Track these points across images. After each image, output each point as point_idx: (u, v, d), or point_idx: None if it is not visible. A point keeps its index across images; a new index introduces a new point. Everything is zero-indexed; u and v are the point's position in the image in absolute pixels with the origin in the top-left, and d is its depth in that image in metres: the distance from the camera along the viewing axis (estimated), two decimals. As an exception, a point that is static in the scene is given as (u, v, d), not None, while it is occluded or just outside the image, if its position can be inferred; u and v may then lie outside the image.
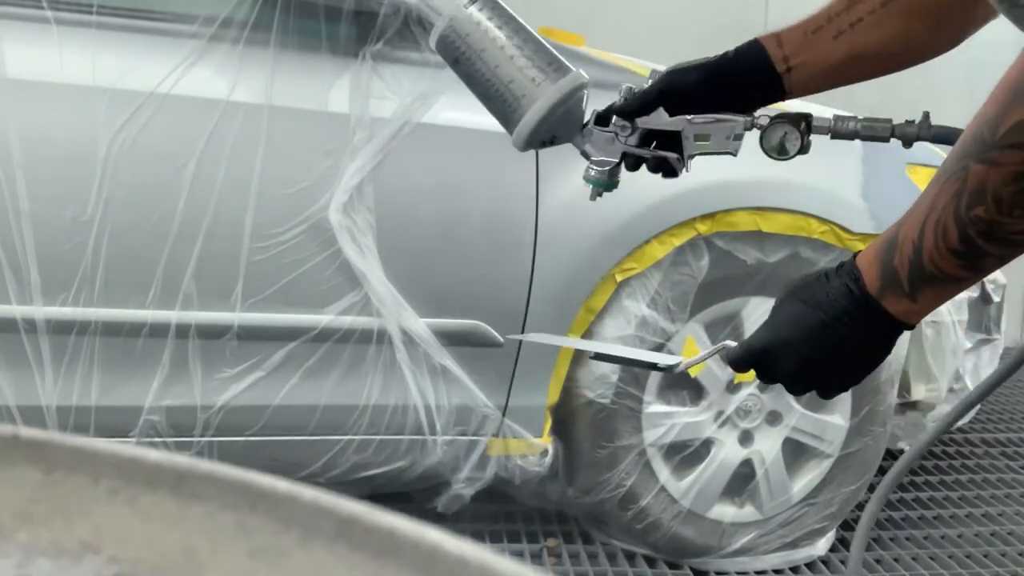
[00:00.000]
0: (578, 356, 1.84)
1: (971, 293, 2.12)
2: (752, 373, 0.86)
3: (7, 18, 1.55)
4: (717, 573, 2.03)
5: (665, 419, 1.91)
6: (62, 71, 1.54)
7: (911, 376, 2.08)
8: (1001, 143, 0.68)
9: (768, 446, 1.98)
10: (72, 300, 1.56)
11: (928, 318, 2.02)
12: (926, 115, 0.88)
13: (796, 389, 0.85)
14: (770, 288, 1.87)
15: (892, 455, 2.17)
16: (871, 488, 2.05)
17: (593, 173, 0.96)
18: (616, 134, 0.95)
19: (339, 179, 1.63)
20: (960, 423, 2.59)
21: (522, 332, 1.76)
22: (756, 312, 1.89)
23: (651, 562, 2.01)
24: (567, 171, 1.71)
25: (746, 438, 1.98)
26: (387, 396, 1.73)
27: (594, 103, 0.96)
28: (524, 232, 1.75)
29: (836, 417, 2.00)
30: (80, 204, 1.54)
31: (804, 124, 0.91)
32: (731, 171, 1.82)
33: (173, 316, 1.60)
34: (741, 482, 2.00)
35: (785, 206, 1.86)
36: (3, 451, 0.31)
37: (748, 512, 2.02)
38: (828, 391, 0.85)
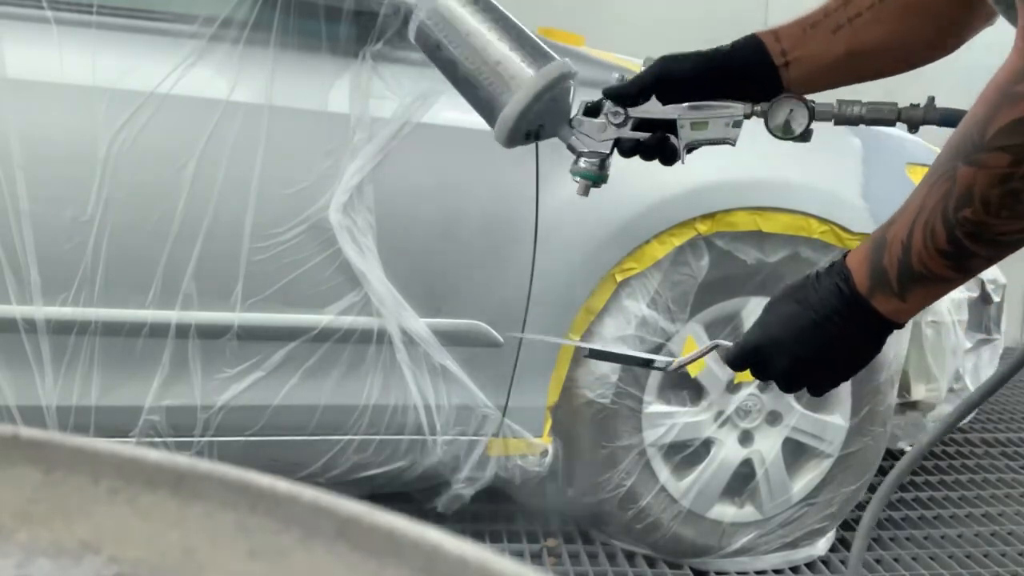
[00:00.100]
0: (578, 356, 1.84)
1: (971, 293, 2.12)
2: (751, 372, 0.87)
3: (7, 18, 1.55)
4: (717, 573, 2.03)
5: (665, 419, 1.91)
6: (62, 71, 1.54)
7: (911, 376, 2.08)
8: (989, 145, 0.68)
9: (768, 446, 1.98)
10: (72, 300, 1.56)
11: (928, 318, 2.03)
12: (931, 99, 0.87)
13: (788, 387, 0.86)
14: (770, 288, 1.86)
15: (892, 455, 2.17)
16: (871, 488, 2.05)
17: (584, 164, 0.92)
18: (608, 119, 0.91)
19: (339, 179, 1.63)
20: (960, 423, 2.59)
21: (522, 332, 1.76)
22: (756, 312, 1.87)
23: (651, 562, 2.01)
24: (567, 171, 1.71)
25: (746, 438, 1.98)
26: (387, 396, 1.73)
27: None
28: (524, 232, 1.75)
29: (836, 417, 2.00)
30: (80, 204, 1.54)
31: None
32: (731, 171, 1.83)
33: (173, 316, 1.60)
34: (741, 482, 2.00)
35: (785, 206, 1.86)
36: (3, 451, 0.31)
37: (748, 512, 2.02)
38: (819, 388, 0.86)
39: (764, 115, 0.89)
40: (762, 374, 0.85)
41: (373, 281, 1.66)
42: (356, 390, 1.71)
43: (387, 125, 1.66)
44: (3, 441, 0.31)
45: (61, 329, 1.57)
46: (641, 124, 0.91)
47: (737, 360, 0.86)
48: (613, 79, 0.93)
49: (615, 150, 0.93)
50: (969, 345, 2.12)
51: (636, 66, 0.94)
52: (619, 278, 1.81)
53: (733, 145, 0.91)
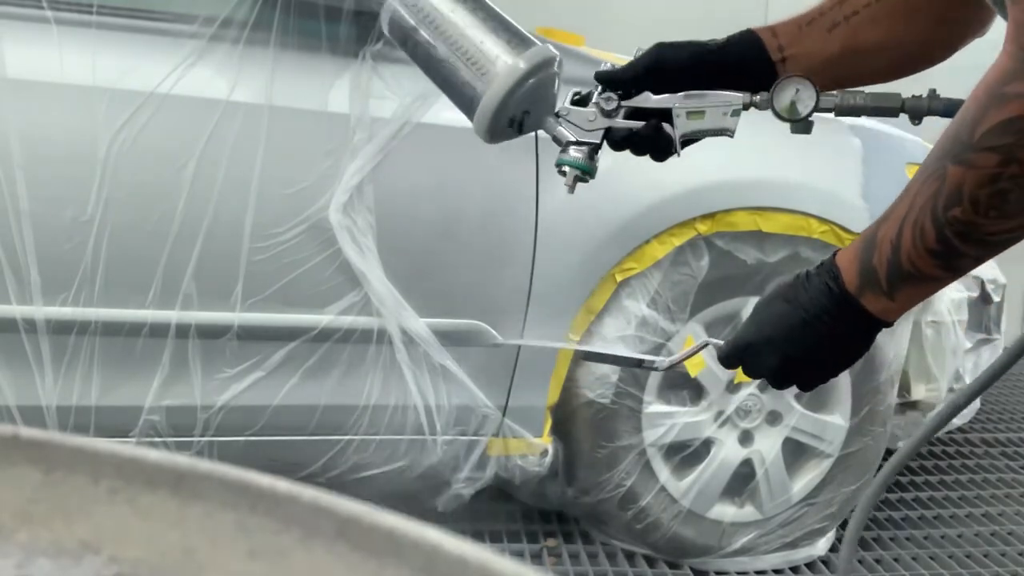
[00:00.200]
0: (578, 356, 1.84)
1: (971, 293, 2.12)
2: None
3: (7, 18, 1.55)
4: (717, 573, 2.03)
5: (665, 419, 1.91)
6: (62, 71, 1.54)
7: (911, 376, 2.08)
8: (978, 145, 0.69)
9: (768, 446, 1.98)
10: (72, 300, 1.56)
11: (928, 318, 2.03)
12: (932, 91, 0.87)
13: (779, 384, 0.87)
14: (770, 288, 1.86)
15: (892, 455, 2.16)
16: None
17: (572, 152, 0.86)
18: (600, 106, 0.86)
19: (339, 179, 1.63)
20: (960, 423, 2.59)
21: (522, 332, 1.77)
22: (756, 312, 1.89)
23: (651, 562, 2.01)
24: (567, 171, 1.71)
25: (746, 438, 1.98)
26: (387, 396, 1.73)
27: None
28: (524, 232, 1.75)
29: (836, 417, 2.00)
30: (80, 204, 1.54)
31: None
32: (731, 171, 1.83)
33: (173, 316, 1.60)
34: (741, 482, 2.00)
35: (785, 206, 1.86)
36: (3, 451, 0.31)
37: (748, 512, 2.02)
38: (809, 385, 0.87)
39: (767, 100, 0.85)
40: (753, 372, 0.86)
41: (373, 281, 1.66)
42: (356, 390, 1.71)
43: (387, 125, 1.66)
44: (3, 441, 0.31)
45: (61, 329, 1.57)
46: (634, 113, 0.86)
47: (728, 358, 0.87)
48: (603, 65, 0.91)
49: (605, 141, 0.88)
50: (969, 345, 2.12)
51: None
52: (619, 278, 1.81)
53: (731, 136, 0.88)
